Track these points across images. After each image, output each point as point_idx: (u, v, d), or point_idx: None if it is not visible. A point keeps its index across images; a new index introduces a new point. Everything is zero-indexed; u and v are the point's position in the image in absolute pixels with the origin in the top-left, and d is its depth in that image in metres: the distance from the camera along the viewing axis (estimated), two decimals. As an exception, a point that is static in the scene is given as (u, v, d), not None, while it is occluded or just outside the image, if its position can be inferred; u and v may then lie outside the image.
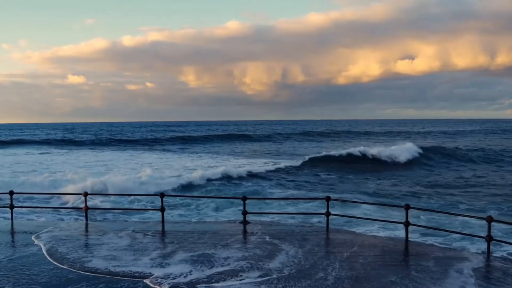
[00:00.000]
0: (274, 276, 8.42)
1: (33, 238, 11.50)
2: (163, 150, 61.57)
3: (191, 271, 8.79)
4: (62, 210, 19.60)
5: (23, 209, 17.93)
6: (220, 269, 8.89)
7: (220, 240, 11.16)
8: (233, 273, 8.60)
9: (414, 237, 13.22)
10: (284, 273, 8.60)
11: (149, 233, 11.93)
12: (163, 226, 12.98)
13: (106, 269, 8.94)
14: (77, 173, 30.73)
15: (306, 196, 25.40)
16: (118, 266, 9.15)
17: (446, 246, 12.55)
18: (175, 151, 59.01)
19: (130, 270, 8.85)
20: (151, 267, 9.06)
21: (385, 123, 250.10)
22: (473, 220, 16.17)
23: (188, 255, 9.83)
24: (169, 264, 9.25)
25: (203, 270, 8.82)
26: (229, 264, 9.18)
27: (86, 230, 12.72)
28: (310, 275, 8.45)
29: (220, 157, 50.13)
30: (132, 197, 22.25)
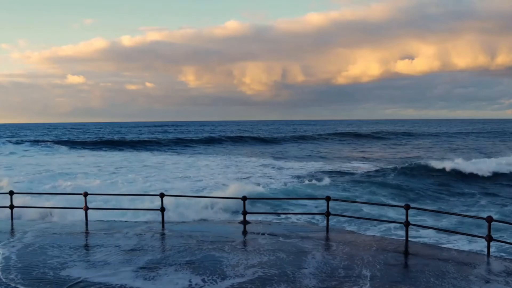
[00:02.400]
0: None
1: (8, 239, 11.31)
2: (237, 153, 57.22)
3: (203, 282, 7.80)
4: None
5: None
6: (237, 279, 8.04)
7: (226, 241, 10.97)
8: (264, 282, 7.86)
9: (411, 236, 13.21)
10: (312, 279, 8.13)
11: (148, 234, 11.84)
12: (163, 226, 12.95)
13: (75, 281, 7.99)
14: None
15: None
16: (99, 275, 8.28)
17: (447, 246, 12.53)
18: (270, 155, 53.58)
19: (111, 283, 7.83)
20: (143, 279, 8.12)
21: (401, 122, 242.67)
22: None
23: (192, 260, 9.36)
24: (166, 274, 8.36)
25: (216, 282, 7.94)
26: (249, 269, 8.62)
27: (81, 230, 12.63)
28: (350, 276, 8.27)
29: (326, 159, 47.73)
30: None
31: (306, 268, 8.76)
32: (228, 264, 9.00)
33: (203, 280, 8.00)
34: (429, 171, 33.31)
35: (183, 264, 9.09)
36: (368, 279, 8.16)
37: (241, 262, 9.13)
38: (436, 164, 34.14)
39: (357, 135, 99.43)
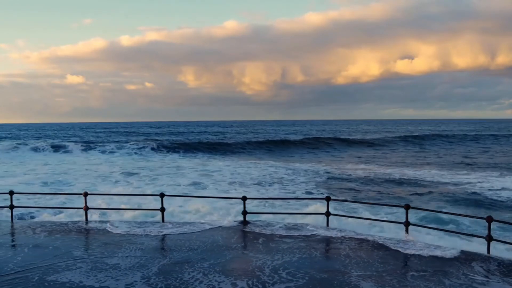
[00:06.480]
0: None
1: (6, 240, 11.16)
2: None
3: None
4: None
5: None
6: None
7: (232, 242, 10.94)
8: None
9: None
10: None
11: (149, 235, 11.84)
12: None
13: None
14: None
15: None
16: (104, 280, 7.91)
17: (447, 246, 12.51)
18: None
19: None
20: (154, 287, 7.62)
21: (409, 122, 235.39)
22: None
23: (212, 263, 9.07)
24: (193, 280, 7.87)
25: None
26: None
27: (78, 232, 12.57)
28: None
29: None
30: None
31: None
32: (255, 266, 8.83)
33: (249, 285, 7.69)
34: None
35: (205, 266, 8.86)
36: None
37: (266, 263, 8.98)
38: None
39: (462, 137, 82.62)
